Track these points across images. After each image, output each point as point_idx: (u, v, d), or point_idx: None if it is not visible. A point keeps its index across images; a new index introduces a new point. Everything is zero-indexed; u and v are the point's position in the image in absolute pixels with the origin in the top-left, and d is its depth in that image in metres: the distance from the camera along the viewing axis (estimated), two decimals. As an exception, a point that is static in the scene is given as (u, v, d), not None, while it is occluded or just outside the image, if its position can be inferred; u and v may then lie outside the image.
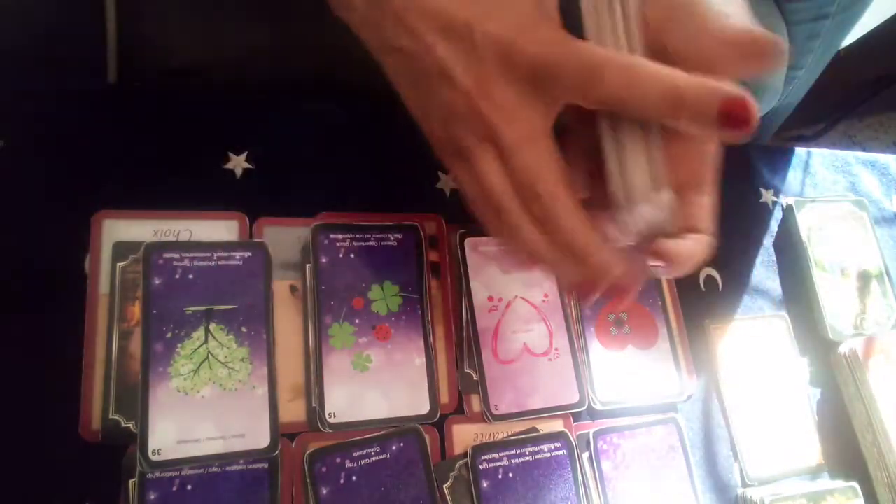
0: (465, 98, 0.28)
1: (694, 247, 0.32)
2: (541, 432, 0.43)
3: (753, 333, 0.51)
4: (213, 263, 0.40)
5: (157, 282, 0.39)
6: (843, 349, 0.51)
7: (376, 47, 0.31)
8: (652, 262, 0.33)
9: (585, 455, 0.44)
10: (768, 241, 0.56)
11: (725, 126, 0.27)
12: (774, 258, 0.56)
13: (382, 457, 0.40)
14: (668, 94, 0.27)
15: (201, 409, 0.37)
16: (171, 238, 0.41)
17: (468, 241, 0.46)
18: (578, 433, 0.44)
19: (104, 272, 0.39)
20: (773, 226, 0.57)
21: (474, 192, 0.31)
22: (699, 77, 0.27)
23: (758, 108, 0.27)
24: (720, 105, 0.26)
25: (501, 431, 0.43)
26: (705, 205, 0.33)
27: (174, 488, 0.36)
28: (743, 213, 0.57)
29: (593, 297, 0.32)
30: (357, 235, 0.44)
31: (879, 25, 1.11)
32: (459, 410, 0.43)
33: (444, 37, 0.28)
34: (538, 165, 0.29)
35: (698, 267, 0.34)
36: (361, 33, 0.32)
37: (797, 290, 0.55)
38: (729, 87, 0.27)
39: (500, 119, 0.28)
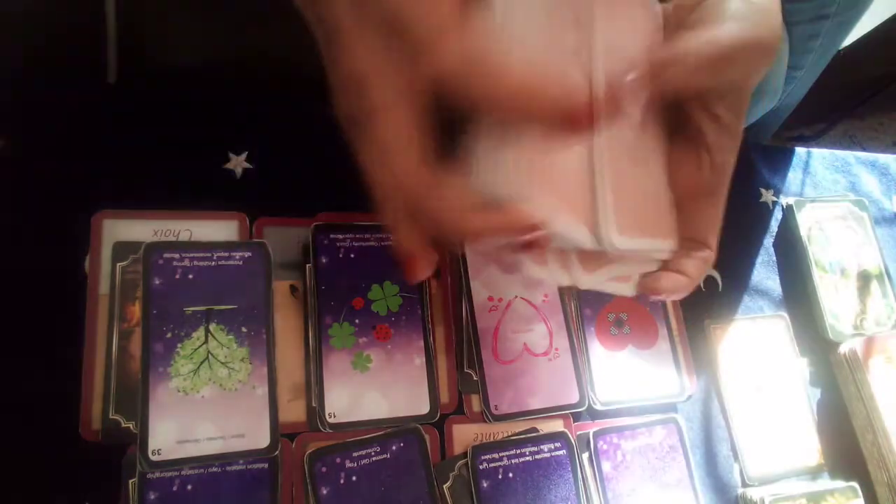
0: (343, 50, 0.27)
1: (674, 283, 0.35)
2: (541, 432, 0.43)
3: (753, 333, 0.51)
4: (213, 263, 0.40)
5: (157, 282, 0.39)
6: (843, 349, 0.51)
7: (310, 19, 0.30)
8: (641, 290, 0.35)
9: (585, 455, 0.44)
10: (768, 241, 0.56)
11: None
12: (774, 258, 0.56)
13: (382, 457, 0.40)
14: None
15: (201, 409, 0.37)
16: (171, 238, 0.41)
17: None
18: (578, 433, 0.44)
19: (104, 272, 0.39)
20: (773, 226, 0.57)
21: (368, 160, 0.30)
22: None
23: None
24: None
25: (501, 431, 0.43)
26: (713, 217, 0.35)
27: (174, 488, 0.36)
28: (743, 213, 0.57)
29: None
30: (357, 235, 0.44)
31: (879, 25, 1.11)
32: (459, 410, 0.43)
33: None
34: (388, 138, 0.28)
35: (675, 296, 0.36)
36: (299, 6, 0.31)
37: (797, 290, 0.55)
38: None
39: (368, 77, 0.27)
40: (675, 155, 0.35)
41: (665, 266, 0.35)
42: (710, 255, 0.36)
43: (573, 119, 0.26)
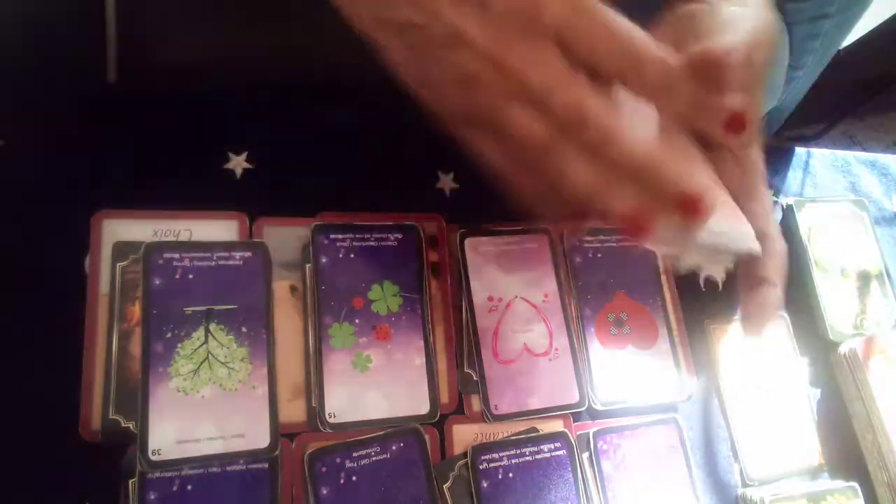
0: (484, 58, 0.27)
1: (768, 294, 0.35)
2: (541, 432, 0.43)
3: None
4: (213, 263, 0.40)
5: (157, 282, 0.39)
6: (843, 349, 0.51)
7: (368, 22, 0.30)
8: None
9: (585, 455, 0.44)
10: (768, 241, 0.56)
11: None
12: (774, 258, 0.56)
13: (382, 457, 0.40)
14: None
15: (201, 409, 0.37)
16: (171, 238, 0.41)
17: (468, 241, 0.46)
18: (578, 433, 0.44)
19: (104, 272, 0.39)
20: (774, 226, 0.57)
21: (504, 155, 0.29)
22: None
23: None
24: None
25: (501, 431, 0.43)
26: (762, 212, 0.35)
27: (174, 488, 0.36)
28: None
29: (654, 225, 0.28)
30: (357, 235, 0.44)
31: (879, 25, 1.11)
32: (459, 410, 0.43)
33: (452, 3, 0.27)
34: (579, 98, 0.27)
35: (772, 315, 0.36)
36: (350, 9, 0.30)
37: (797, 290, 0.55)
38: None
39: (528, 69, 0.27)
40: (719, 157, 0.36)
41: (751, 280, 0.36)
42: (779, 244, 0.36)
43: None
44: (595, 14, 0.28)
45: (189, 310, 0.39)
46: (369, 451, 0.40)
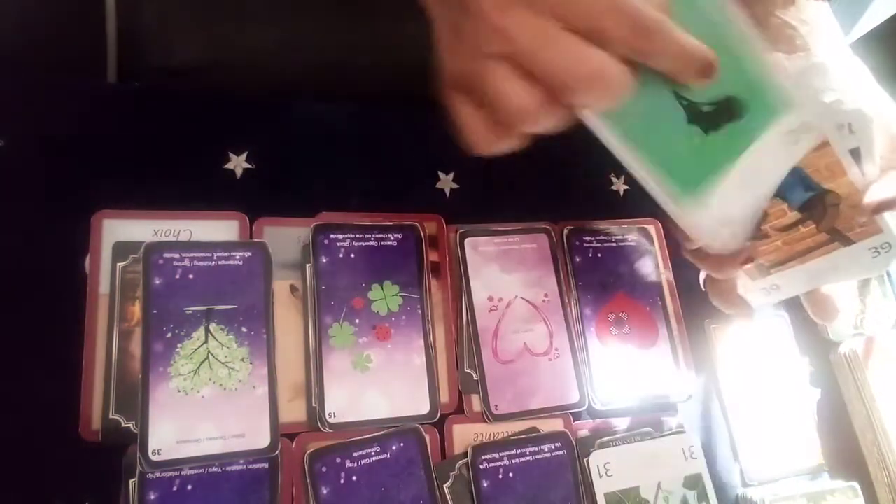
0: (485, 20, 0.28)
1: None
2: (541, 432, 0.43)
3: (753, 333, 0.51)
4: (213, 263, 0.40)
5: (157, 282, 0.39)
6: (843, 349, 0.51)
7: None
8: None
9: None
10: (768, 241, 0.56)
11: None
12: (774, 258, 0.56)
13: (382, 457, 0.40)
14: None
15: (201, 409, 0.37)
16: (171, 238, 0.41)
17: (468, 241, 0.46)
18: (579, 434, 0.44)
19: (104, 272, 0.39)
20: (773, 226, 0.57)
21: (487, 113, 0.30)
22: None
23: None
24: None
25: (502, 431, 0.43)
26: None
27: (174, 488, 0.36)
28: (743, 213, 0.57)
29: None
30: (357, 235, 0.44)
31: (879, 25, 1.11)
32: (459, 410, 0.43)
33: None
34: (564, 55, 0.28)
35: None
36: None
37: (797, 290, 0.55)
38: None
39: (516, 28, 0.28)
40: None
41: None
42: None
43: None
44: None
45: (189, 310, 0.39)
46: (369, 451, 0.40)
